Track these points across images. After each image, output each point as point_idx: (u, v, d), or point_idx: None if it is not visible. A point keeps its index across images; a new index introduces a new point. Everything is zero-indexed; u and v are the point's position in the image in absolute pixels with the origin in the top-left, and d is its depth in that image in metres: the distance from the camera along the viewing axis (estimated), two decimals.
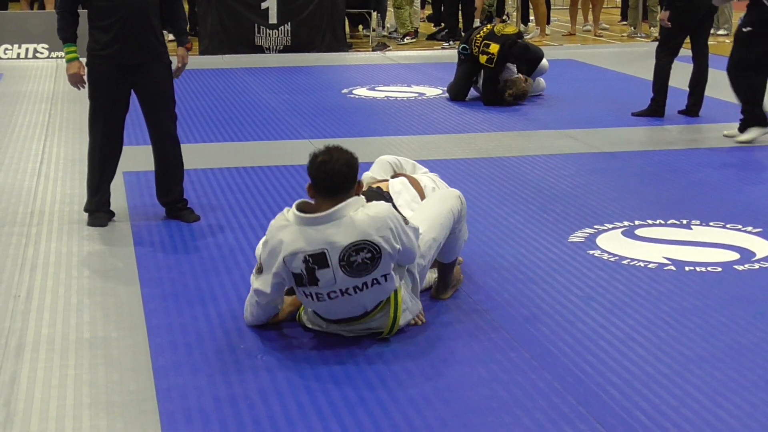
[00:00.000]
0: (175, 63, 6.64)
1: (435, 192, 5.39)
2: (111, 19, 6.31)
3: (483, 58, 10.67)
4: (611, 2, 19.45)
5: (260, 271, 4.71)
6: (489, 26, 11.20)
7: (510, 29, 11.02)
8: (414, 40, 16.58)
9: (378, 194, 5.19)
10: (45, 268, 5.75)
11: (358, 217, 4.52)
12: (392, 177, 5.67)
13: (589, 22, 17.75)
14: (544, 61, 11.23)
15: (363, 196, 4.70)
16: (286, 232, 4.56)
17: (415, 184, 5.51)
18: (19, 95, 11.47)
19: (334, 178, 4.57)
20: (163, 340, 4.75)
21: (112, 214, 6.62)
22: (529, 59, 11.00)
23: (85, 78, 6.48)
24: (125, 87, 6.44)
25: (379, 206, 4.61)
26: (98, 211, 6.57)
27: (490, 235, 6.30)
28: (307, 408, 4.10)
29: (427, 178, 5.65)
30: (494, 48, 10.60)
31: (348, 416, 4.03)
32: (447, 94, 11.35)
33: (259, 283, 4.70)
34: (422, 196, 5.41)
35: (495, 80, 10.74)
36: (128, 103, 6.53)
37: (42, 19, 15.20)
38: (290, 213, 4.61)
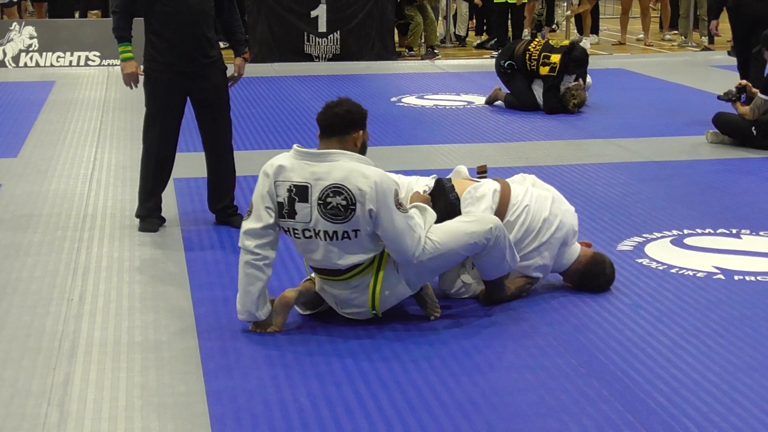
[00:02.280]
0: (230, 71, 6.71)
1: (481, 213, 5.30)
2: (170, 27, 6.44)
3: (545, 70, 10.72)
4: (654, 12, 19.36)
5: (250, 214, 4.92)
6: (538, 40, 11.23)
7: (565, 42, 11.10)
8: (430, 61, 15.69)
9: (440, 191, 5.32)
10: (97, 272, 5.83)
11: (348, 165, 4.78)
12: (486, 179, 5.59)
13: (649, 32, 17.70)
14: (588, 78, 11.34)
15: (361, 155, 4.89)
16: (283, 159, 4.90)
17: (504, 194, 5.43)
18: (71, 102, 11.61)
19: (332, 119, 4.91)
20: (214, 343, 4.80)
21: (163, 219, 6.70)
22: (585, 65, 11.09)
23: (141, 78, 6.59)
24: (181, 94, 6.54)
25: (374, 169, 4.82)
26: (150, 216, 6.64)
27: None
28: (356, 412, 4.12)
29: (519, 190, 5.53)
30: (555, 58, 10.67)
31: (396, 421, 4.05)
32: (495, 103, 11.37)
33: (251, 222, 4.89)
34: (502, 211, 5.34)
35: (557, 89, 10.77)
36: (183, 110, 6.63)
37: (94, 27, 15.40)
38: (294, 148, 4.91)
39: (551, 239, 5.35)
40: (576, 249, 5.51)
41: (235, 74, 6.80)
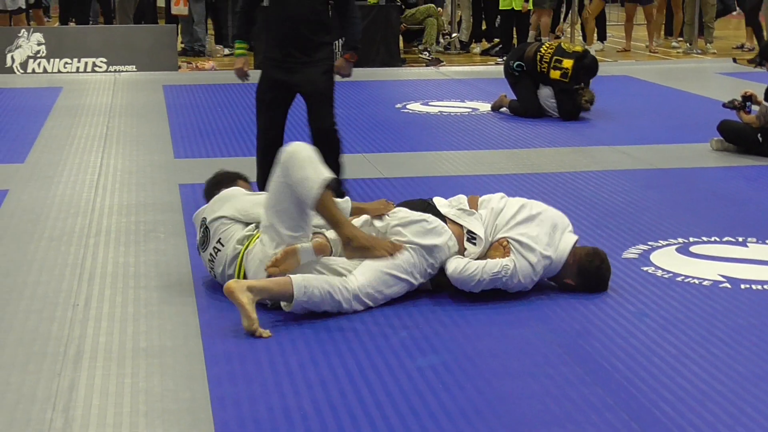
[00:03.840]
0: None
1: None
2: (276, 28, 7.09)
3: (556, 74, 10.69)
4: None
5: None
6: (551, 43, 11.21)
7: (578, 47, 11.07)
8: (435, 68, 15.63)
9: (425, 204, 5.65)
10: (103, 277, 5.83)
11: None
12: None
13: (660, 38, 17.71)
14: None
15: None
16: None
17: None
18: (77, 108, 11.63)
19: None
20: (218, 349, 4.80)
21: None
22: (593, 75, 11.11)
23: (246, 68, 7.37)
24: (284, 87, 7.12)
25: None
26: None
27: None
28: (359, 420, 4.12)
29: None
30: (567, 63, 10.64)
31: (401, 428, 4.05)
32: (501, 109, 11.38)
33: None
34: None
35: (571, 94, 10.77)
36: (288, 100, 7.23)
37: (101, 33, 15.44)
38: None
39: (540, 215, 5.56)
40: (571, 239, 5.60)
41: (338, 73, 7.32)
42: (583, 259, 5.54)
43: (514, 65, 11.06)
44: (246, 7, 7.29)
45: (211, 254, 5.54)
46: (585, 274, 5.53)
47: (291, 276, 5.13)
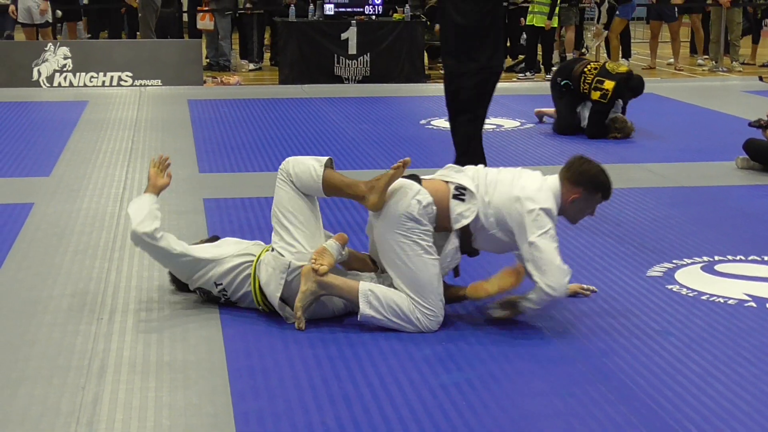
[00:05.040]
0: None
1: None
2: (444, 35, 7.68)
3: (596, 94, 10.66)
4: (684, 36, 19.35)
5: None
6: (595, 63, 11.18)
7: (623, 68, 11.01)
8: None
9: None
10: (127, 291, 5.85)
11: None
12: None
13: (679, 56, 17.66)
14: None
15: None
16: None
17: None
18: (103, 122, 11.69)
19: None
20: (241, 364, 4.81)
21: None
22: (639, 95, 11.08)
23: None
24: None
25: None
26: None
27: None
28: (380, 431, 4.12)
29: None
30: (609, 84, 10.61)
31: None
32: (525, 126, 11.37)
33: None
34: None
35: (605, 115, 10.74)
36: None
37: (127, 47, 15.53)
38: None
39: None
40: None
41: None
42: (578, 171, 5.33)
43: (561, 83, 11.04)
44: None
45: (221, 295, 5.51)
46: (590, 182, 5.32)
47: (360, 282, 5.24)
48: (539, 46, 16.65)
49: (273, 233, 5.36)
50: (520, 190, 5.24)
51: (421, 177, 5.42)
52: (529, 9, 16.28)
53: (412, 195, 5.22)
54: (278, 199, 5.37)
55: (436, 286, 5.20)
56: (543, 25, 16.15)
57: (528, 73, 16.34)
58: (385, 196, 5.21)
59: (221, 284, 5.43)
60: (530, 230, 5.14)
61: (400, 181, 5.29)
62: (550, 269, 5.10)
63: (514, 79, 16.12)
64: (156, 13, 16.29)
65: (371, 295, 5.19)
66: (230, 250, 5.49)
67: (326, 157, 5.35)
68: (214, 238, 5.90)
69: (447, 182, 5.37)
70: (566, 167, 5.36)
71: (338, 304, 5.33)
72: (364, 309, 5.18)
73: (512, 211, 5.19)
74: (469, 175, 5.40)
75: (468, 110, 7.61)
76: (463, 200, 5.28)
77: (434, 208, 5.24)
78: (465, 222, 5.24)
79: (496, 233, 5.26)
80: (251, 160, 9.68)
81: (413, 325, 5.18)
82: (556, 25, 16.44)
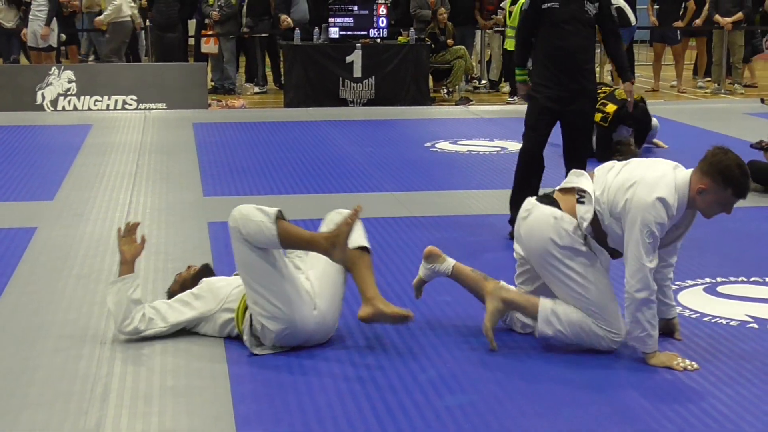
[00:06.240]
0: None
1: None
2: (551, 60, 7.38)
3: (598, 116, 10.65)
4: (690, 59, 19.37)
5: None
6: (607, 88, 11.19)
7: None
8: (464, 107, 15.73)
9: None
10: None
11: None
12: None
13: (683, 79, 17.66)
14: (654, 121, 11.30)
15: None
16: None
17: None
18: (107, 146, 11.72)
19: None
20: (245, 389, 4.81)
21: None
22: (645, 124, 11.03)
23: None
24: (552, 115, 7.49)
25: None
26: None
27: None
28: None
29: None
30: (611, 108, 10.63)
31: None
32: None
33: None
34: None
35: (608, 139, 10.72)
36: (552, 126, 7.57)
37: (131, 71, 15.57)
38: None
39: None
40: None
41: (627, 98, 8.06)
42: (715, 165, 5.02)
43: None
44: (524, 37, 7.61)
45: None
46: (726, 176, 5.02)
47: (541, 299, 5.25)
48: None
49: (246, 292, 5.21)
50: (639, 177, 5.03)
51: (555, 190, 5.38)
52: (506, 33, 16.35)
53: (557, 224, 5.18)
54: (240, 260, 5.18)
55: (613, 307, 5.19)
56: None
57: (516, 98, 16.39)
58: (347, 248, 5.15)
59: (213, 335, 5.45)
60: (631, 220, 4.99)
61: (541, 213, 5.23)
62: (631, 263, 4.99)
63: (520, 102, 16.11)
64: (127, 38, 16.30)
65: (551, 314, 5.21)
66: (214, 303, 5.41)
67: (274, 209, 5.14)
68: (204, 268, 5.81)
69: (573, 191, 5.27)
70: (703, 157, 5.07)
71: (311, 331, 5.26)
72: (542, 328, 5.24)
73: (620, 200, 5.04)
74: (589, 178, 5.29)
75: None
76: (583, 203, 5.20)
77: (575, 224, 5.18)
78: (585, 223, 5.14)
79: (615, 227, 5.12)
80: (256, 183, 9.70)
81: (596, 345, 5.20)
82: None
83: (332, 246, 5.11)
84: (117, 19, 15.97)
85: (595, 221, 5.15)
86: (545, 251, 5.19)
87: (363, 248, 5.29)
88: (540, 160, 7.61)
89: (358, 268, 5.24)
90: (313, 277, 5.34)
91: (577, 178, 5.32)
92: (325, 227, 5.49)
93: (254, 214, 5.10)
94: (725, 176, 4.99)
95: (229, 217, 5.19)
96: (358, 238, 5.31)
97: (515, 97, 16.24)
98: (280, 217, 5.11)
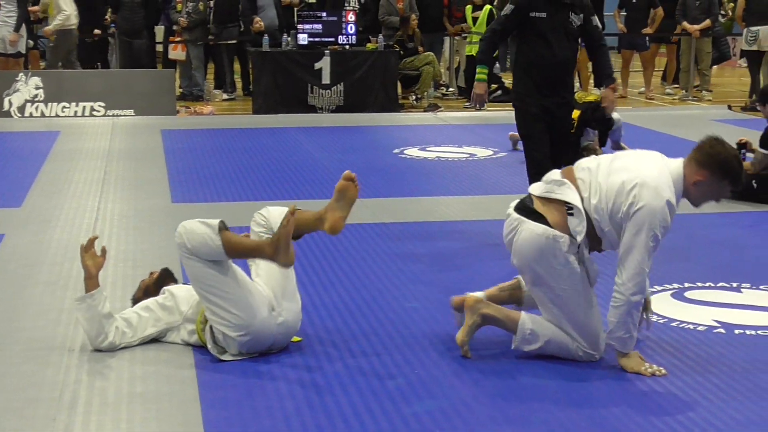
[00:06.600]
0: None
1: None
2: (535, 71, 7.41)
3: None
4: (660, 65, 19.48)
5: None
6: None
7: (591, 97, 11.04)
8: (433, 113, 15.75)
9: None
10: None
11: None
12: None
13: (651, 86, 17.74)
14: (615, 115, 11.31)
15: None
16: None
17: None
18: (75, 152, 11.67)
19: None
20: (214, 395, 4.80)
21: None
22: (607, 126, 11.07)
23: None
24: (542, 121, 7.49)
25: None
26: None
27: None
28: None
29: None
30: (575, 113, 10.65)
31: None
32: (498, 155, 11.41)
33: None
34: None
35: (577, 145, 10.74)
36: (547, 135, 7.53)
37: (99, 78, 15.53)
38: None
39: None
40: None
41: (604, 104, 7.78)
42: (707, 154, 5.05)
43: None
44: (492, 39, 7.61)
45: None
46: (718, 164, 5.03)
47: (522, 314, 5.25)
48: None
49: (204, 305, 5.20)
50: (639, 179, 4.94)
51: (535, 207, 5.17)
52: (468, 39, 16.41)
53: (551, 244, 5.06)
54: (192, 275, 5.19)
55: (597, 330, 5.18)
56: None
57: (470, 104, 16.45)
58: (290, 250, 5.12)
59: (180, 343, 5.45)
60: (636, 225, 4.92)
61: (532, 233, 5.10)
62: (630, 267, 4.94)
63: (489, 109, 16.16)
64: (72, 47, 16.21)
65: (530, 334, 5.20)
66: (178, 314, 5.42)
67: (217, 221, 5.13)
68: (164, 273, 5.81)
69: (561, 203, 5.12)
70: (697, 147, 5.06)
71: (274, 333, 5.27)
72: (520, 345, 5.23)
73: (622, 204, 4.95)
74: (571, 187, 5.12)
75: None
76: (572, 214, 5.07)
77: (569, 240, 5.07)
78: (580, 237, 5.05)
79: (614, 233, 5.04)
80: (225, 189, 9.69)
81: (574, 359, 5.21)
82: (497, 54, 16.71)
83: (275, 251, 5.10)
84: (63, 27, 15.87)
85: (590, 229, 5.08)
86: (536, 272, 5.13)
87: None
88: (549, 167, 7.48)
89: (300, 226, 5.26)
90: (264, 277, 5.36)
91: (560, 188, 5.15)
92: (255, 227, 5.53)
93: (198, 227, 5.12)
94: (724, 168, 5.00)
95: (175, 233, 5.20)
96: (280, 216, 5.32)
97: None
98: (223, 227, 5.12)
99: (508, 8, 7.43)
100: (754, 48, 16.13)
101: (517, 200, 5.32)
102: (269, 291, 5.30)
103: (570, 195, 5.10)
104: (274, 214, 5.48)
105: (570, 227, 5.06)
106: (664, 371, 5.05)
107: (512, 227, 5.21)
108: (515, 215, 5.22)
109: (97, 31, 17.19)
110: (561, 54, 7.37)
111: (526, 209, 5.20)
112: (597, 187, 5.05)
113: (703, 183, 5.03)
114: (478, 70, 7.67)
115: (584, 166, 5.22)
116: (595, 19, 7.60)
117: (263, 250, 5.16)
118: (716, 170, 4.99)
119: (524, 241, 5.12)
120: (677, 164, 5.09)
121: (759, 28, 15.95)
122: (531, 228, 5.11)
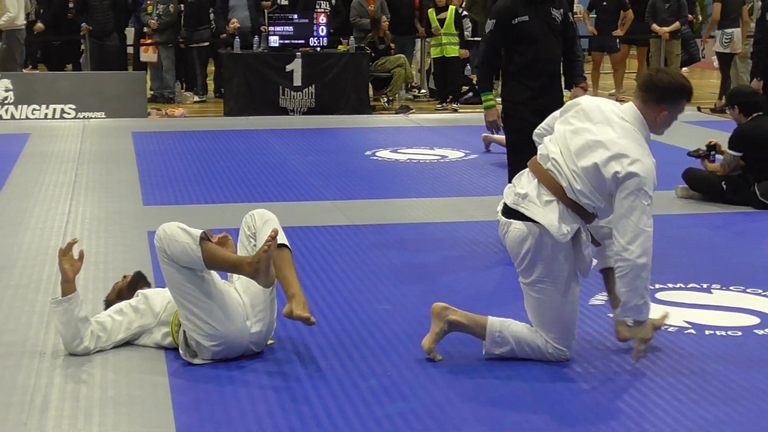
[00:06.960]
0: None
1: None
2: (526, 74, 7.39)
3: None
4: (631, 67, 19.57)
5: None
6: None
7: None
8: (404, 115, 15.76)
9: None
10: None
11: None
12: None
13: (622, 88, 17.82)
14: None
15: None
16: None
17: None
18: (46, 155, 11.62)
19: None
20: (187, 398, 4.79)
21: None
22: None
23: (499, 122, 7.64)
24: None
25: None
26: None
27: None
28: None
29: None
30: None
31: None
32: (469, 157, 11.44)
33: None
34: None
35: None
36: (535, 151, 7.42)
37: (70, 80, 15.46)
38: None
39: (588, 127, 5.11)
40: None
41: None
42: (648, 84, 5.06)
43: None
44: (487, 61, 7.67)
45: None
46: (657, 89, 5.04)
47: (489, 319, 5.25)
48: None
49: (179, 310, 5.18)
50: (615, 149, 4.92)
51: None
52: (433, 42, 16.46)
53: (539, 235, 5.07)
54: (168, 280, 5.16)
55: (573, 327, 5.23)
56: (457, 55, 16.30)
57: (444, 104, 16.50)
58: (270, 272, 5.10)
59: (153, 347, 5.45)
60: (625, 191, 4.91)
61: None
62: (629, 231, 4.91)
63: (461, 111, 16.20)
64: (21, 47, 16.14)
65: (499, 336, 5.22)
66: (151, 317, 5.42)
67: (199, 231, 5.11)
68: (137, 276, 5.80)
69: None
70: (645, 88, 5.06)
71: (247, 342, 5.27)
72: (490, 348, 5.25)
73: (607, 175, 4.91)
74: (534, 201, 5.11)
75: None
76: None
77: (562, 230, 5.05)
78: (565, 239, 5.04)
79: (608, 206, 5.05)
80: (196, 192, 9.67)
81: (544, 359, 5.23)
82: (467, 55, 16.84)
83: (255, 272, 5.08)
84: (11, 28, 15.77)
85: (583, 213, 5.07)
86: (525, 264, 5.16)
87: (282, 245, 5.28)
88: None
89: (279, 267, 5.23)
90: (243, 282, 5.34)
91: (524, 201, 5.13)
92: (244, 229, 5.56)
93: (179, 234, 5.09)
94: (679, 93, 5.06)
95: (155, 236, 5.18)
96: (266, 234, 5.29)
97: (443, 104, 16.38)
98: (204, 238, 5.11)
99: (490, 23, 7.41)
100: (728, 50, 16.24)
101: (503, 203, 5.32)
102: (246, 298, 5.29)
103: (533, 210, 5.08)
104: (262, 230, 5.46)
105: (559, 232, 5.04)
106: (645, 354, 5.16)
107: (504, 230, 5.26)
108: (504, 219, 5.25)
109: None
110: (553, 53, 7.44)
111: (510, 210, 5.22)
112: (573, 174, 5.03)
113: (665, 116, 5.09)
114: (483, 98, 7.72)
115: (545, 155, 5.18)
116: (571, 15, 7.65)
117: (243, 269, 5.14)
118: (674, 98, 5.06)
119: (512, 239, 5.19)
120: (632, 113, 5.08)
121: (734, 30, 16.09)
122: (517, 226, 5.16)
